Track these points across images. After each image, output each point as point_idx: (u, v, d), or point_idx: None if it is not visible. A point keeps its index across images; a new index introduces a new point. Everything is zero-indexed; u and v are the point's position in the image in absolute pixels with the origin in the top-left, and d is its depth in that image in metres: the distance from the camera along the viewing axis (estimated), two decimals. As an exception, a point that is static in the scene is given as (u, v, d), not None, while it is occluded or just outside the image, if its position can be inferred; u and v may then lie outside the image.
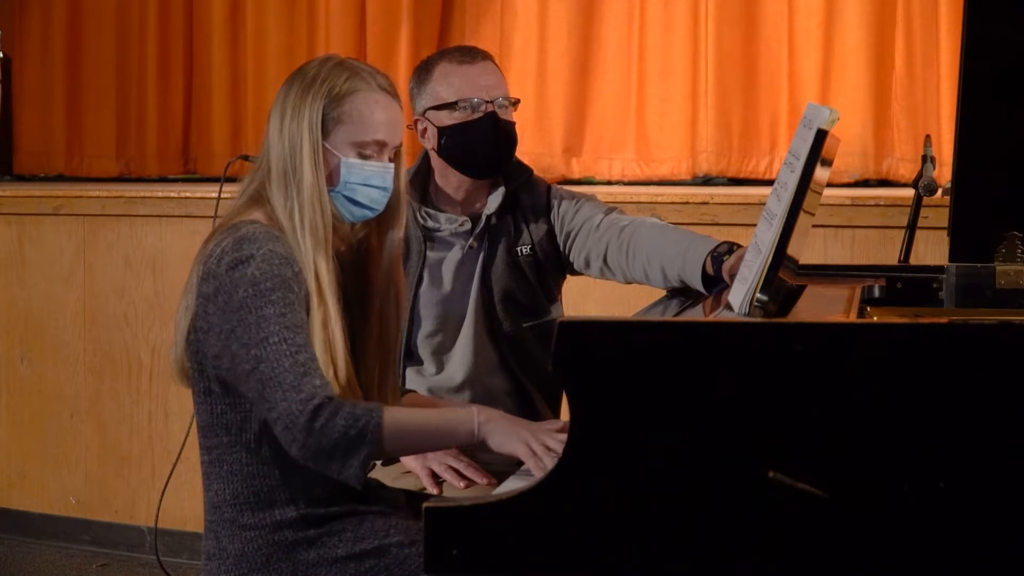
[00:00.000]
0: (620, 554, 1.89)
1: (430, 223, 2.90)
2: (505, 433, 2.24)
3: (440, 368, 2.93)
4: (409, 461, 2.74)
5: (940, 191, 3.54)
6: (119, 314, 4.55)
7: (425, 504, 1.94)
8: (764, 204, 2.25)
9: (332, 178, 2.31)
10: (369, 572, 2.26)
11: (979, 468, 1.84)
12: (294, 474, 2.25)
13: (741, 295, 2.17)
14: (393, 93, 2.36)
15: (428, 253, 2.89)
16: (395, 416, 2.19)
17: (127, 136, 5.67)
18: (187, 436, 3.10)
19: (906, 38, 4.59)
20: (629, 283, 2.87)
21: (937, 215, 3.50)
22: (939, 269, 2.56)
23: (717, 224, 3.84)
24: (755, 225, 2.28)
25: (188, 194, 4.47)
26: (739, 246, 2.59)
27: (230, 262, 2.22)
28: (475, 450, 2.62)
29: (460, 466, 2.67)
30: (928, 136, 3.00)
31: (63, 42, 5.69)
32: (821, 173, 2.19)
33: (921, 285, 2.59)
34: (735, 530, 1.86)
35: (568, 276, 3.01)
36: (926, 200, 2.96)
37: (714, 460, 1.86)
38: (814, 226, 3.34)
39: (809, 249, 3.52)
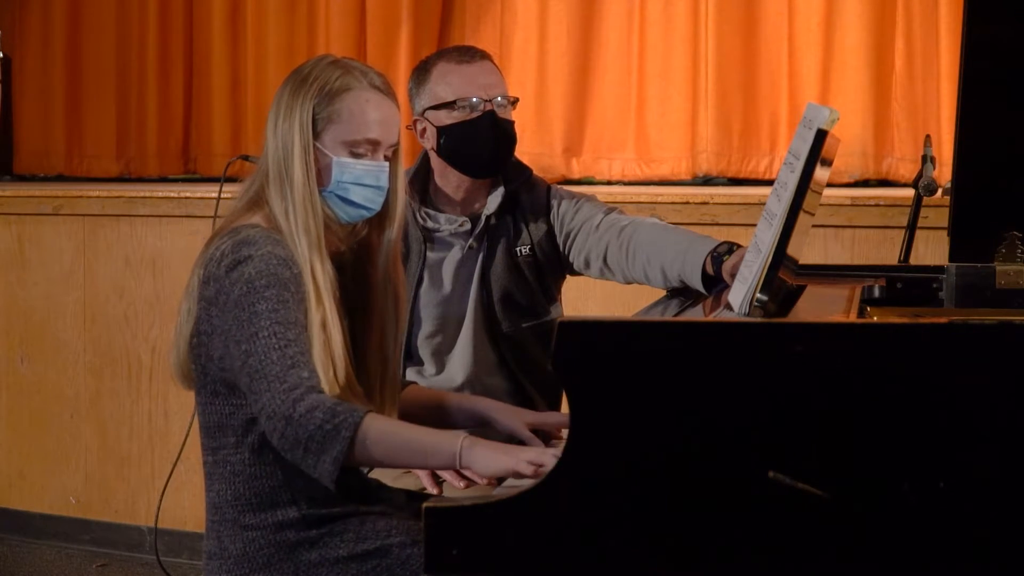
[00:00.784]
0: (620, 554, 1.89)
1: (430, 223, 2.90)
2: (490, 457, 2.16)
3: (440, 368, 2.93)
4: (409, 461, 2.74)
5: (940, 191, 3.53)
6: (119, 314, 4.55)
7: (425, 504, 1.94)
8: (764, 204, 2.25)
9: (324, 178, 2.30)
10: (371, 572, 2.25)
11: (979, 468, 1.84)
12: (296, 475, 2.25)
13: (741, 295, 2.17)
14: (387, 91, 2.34)
15: (428, 253, 2.89)
16: (377, 422, 2.16)
17: (127, 136, 5.67)
18: (187, 436, 3.09)
19: (906, 38, 4.59)
20: (629, 283, 2.87)
21: (937, 215, 3.50)
22: (939, 269, 2.56)
23: (717, 224, 3.84)
24: (755, 225, 2.28)
25: (188, 194, 4.47)
26: (739, 246, 2.59)
27: (229, 264, 2.22)
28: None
29: (460, 466, 2.66)
30: (928, 136, 3.01)
31: (63, 42, 5.69)
32: (821, 173, 2.19)
33: (921, 285, 2.59)
34: (735, 530, 1.86)
35: (568, 276, 3.01)
36: (926, 200, 2.96)
37: (714, 460, 1.86)
38: (814, 226, 3.34)
39: (809, 249, 3.52)
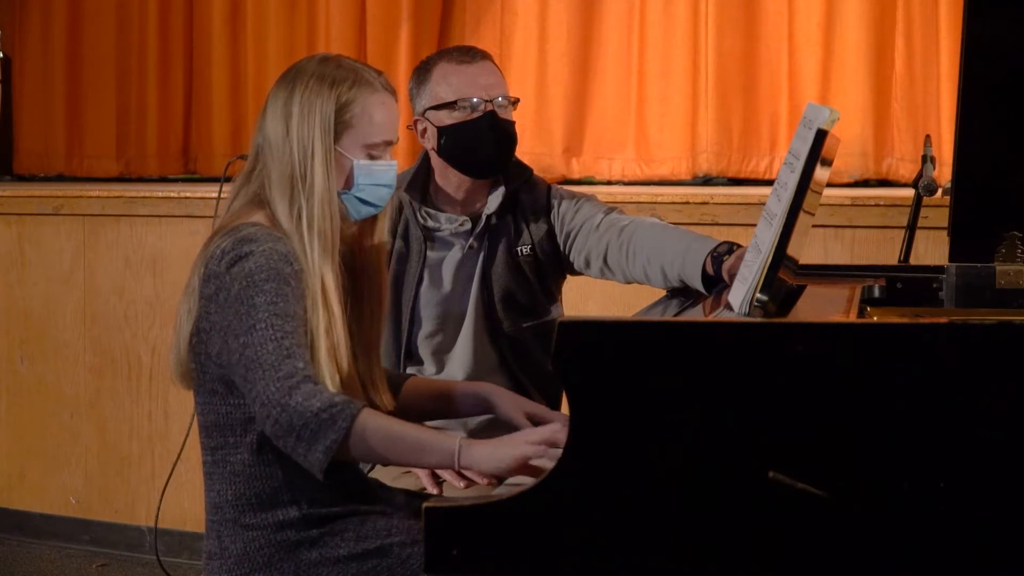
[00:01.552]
0: (620, 554, 1.89)
1: (430, 223, 2.90)
2: (492, 455, 2.16)
3: (440, 368, 2.93)
4: (409, 461, 2.74)
5: (940, 191, 3.53)
6: (119, 314, 4.55)
7: (425, 504, 1.94)
8: (764, 204, 2.25)
9: (347, 181, 2.33)
10: (371, 572, 2.26)
11: (979, 468, 1.84)
12: (297, 475, 2.25)
13: (741, 295, 2.17)
14: (392, 91, 2.38)
15: (428, 253, 2.89)
16: (374, 417, 2.17)
17: (127, 136, 5.67)
18: (187, 436, 3.09)
19: (906, 38, 4.59)
20: (629, 283, 2.87)
21: (937, 215, 3.50)
22: (939, 269, 2.56)
23: (717, 224, 3.84)
24: (755, 225, 2.28)
25: (188, 194, 4.47)
26: (739, 246, 2.59)
27: (230, 260, 2.22)
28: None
29: (460, 466, 2.66)
30: (928, 136, 3.01)
31: (63, 42, 5.69)
32: (821, 173, 2.19)
33: (921, 285, 2.59)
34: (735, 530, 1.86)
35: (568, 276, 3.01)
36: (926, 200, 2.96)
37: (714, 460, 1.86)
38: (814, 226, 3.34)
39: (809, 249, 3.52)
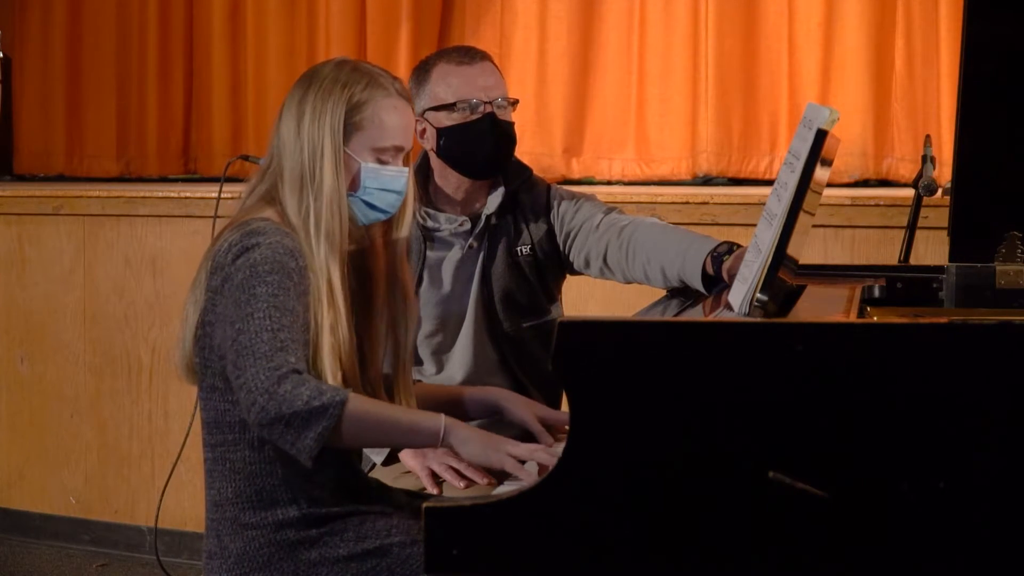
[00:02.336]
0: (620, 554, 1.89)
1: (430, 223, 2.90)
2: (480, 445, 2.22)
3: (440, 368, 2.93)
4: (409, 461, 2.74)
5: (940, 191, 3.53)
6: (119, 314, 4.55)
7: (425, 504, 1.95)
8: (764, 204, 2.25)
9: (353, 183, 2.33)
10: (371, 572, 2.26)
11: (979, 468, 1.84)
12: (297, 473, 2.26)
13: (741, 295, 2.17)
14: (408, 98, 2.39)
15: (428, 253, 2.89)
16: (361, 402, 2.19)
17: (127, 136, 5.67)
18: (187, 436, 3.10)
19: (906, 38, 4.59)
20: (629, 283, 2.87)
21: (937, 215, 3.50)
22: (939, 269, 2.56)
23: (717, 224, 3.84)
24: (755, 225, 2.28)
25: (188, 194, 4.47)
26: (739, 246, 2.59)
27: (236, 252, 2.24)
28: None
29: (460, 466, 2.66)
30: (928, 136, 3.00)
31: (63, 42, 5.69)
32: (821, 173, 2.19)
33: (921, 285, 2.59)
34: (735, 530, 1.86)
35: (568, 276, 3.01)
36: (926, 200, 2.95)
37: (714, 460, 1.86)
38: (814, 226, 3.34)
39: (809, 249, 3.52)
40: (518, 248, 2.90)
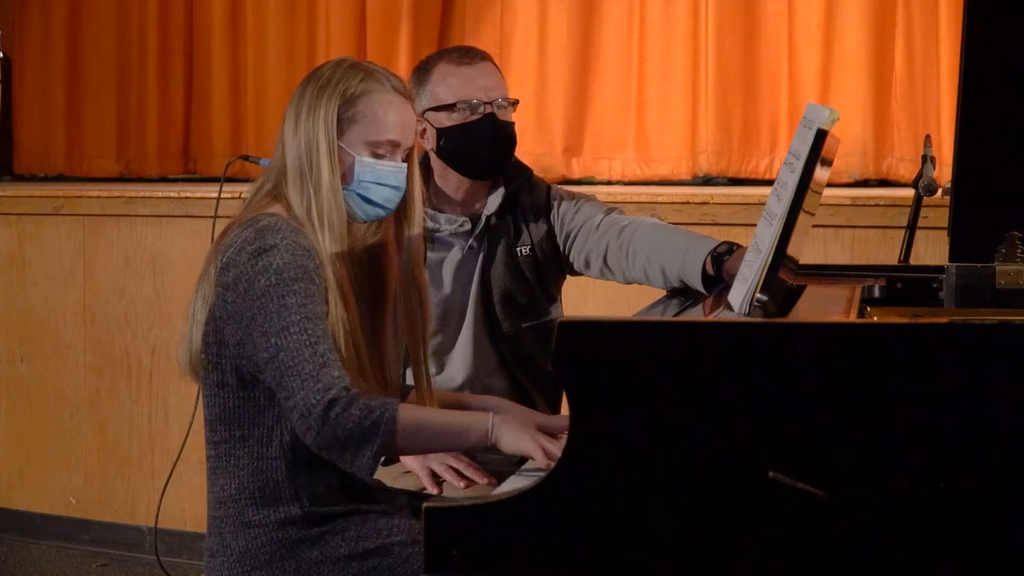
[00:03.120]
0: (620, 554, 1.89)
1: (430, 223, 2.90)
2: (515, 434, 2.25)
3: (440, 369, 2.93)
4: (409, 461, 2.74)
5: (940, 191, 3.53)
6: (119, 314, 4.55)
7: (425, 504, 1.94)
8: (764, 204, 2.25)
9: (346, 176, 2.35)
10: (372, 571, 2.26)
11: (979, 468, 1.84)
12: (300, 471, 2.27)
13: (741, 295, 2.17)
14: (407, 95, 2.40)
15: (428, 253, 2.89)
16: (410, 412, 2.22)
17: (127, 136, 5.67)
18: (187, 436, 3.10)
19: (906, 38, 4.59)
20: (629, 283, 2.87)
21: (937, 215, 3.50)
22: (939, 269, 2.56)
23: (717, 224, 3.84)
24: (755, 225, 2.28)
25: (188, 194, 4.47)
26: (739, 246, 2.59)
27: (253, 251, 2.24)
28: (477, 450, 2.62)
29: (460, 466, 2.67)
30: (928, 136, 3.00)
31: (63, 42, 5.69)
32: (821, 173, 2.19)
33: (921, 285, 2.59)
34: (735, 530, 1.86)
35: (568, 276, 3.01)
36: (926, 200, 2.95)
37: (714, 460, 1.86)
38: (814, 226, 3.34)
39: (809, 249, 3.52)
40: (518, 249, 2.90)
